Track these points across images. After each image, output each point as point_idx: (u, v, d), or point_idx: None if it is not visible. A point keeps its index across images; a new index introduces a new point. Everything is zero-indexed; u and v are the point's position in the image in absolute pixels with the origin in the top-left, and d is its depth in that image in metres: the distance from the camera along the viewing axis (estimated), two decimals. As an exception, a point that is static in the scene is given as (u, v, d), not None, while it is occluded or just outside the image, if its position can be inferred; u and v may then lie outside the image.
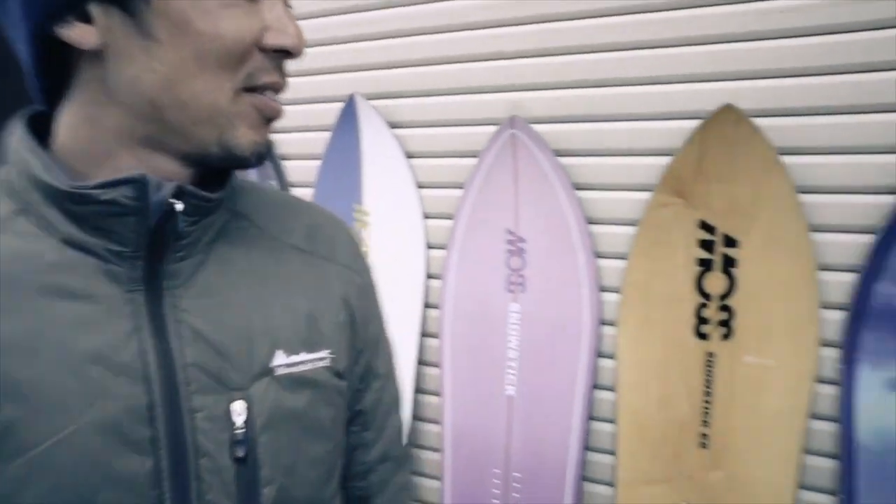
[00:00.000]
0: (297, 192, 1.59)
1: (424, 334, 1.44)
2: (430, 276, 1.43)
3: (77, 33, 0.44)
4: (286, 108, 1.51)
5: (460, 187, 1.37)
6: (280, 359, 0.52)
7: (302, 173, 1.58)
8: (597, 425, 1.30)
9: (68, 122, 0.48)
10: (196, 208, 0.48)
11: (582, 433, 1.28)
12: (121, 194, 0.44)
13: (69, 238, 0.45)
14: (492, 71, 1.33)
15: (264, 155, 0.51)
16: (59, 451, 0.41)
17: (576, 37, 1.24)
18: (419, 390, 1.46)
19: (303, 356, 0.53)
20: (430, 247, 1.43)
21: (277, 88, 0.51)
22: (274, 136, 1.57)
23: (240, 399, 0.48)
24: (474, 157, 1.35)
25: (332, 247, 0.61)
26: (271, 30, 0.48)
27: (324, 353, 0.55)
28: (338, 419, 0.58)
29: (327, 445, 0.56)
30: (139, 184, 0.45)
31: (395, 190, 1.44)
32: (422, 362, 1.45)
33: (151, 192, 0.45)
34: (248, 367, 0.49)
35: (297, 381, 0.53)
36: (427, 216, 1.43)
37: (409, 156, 1.43)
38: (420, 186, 1.43)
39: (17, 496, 0.40)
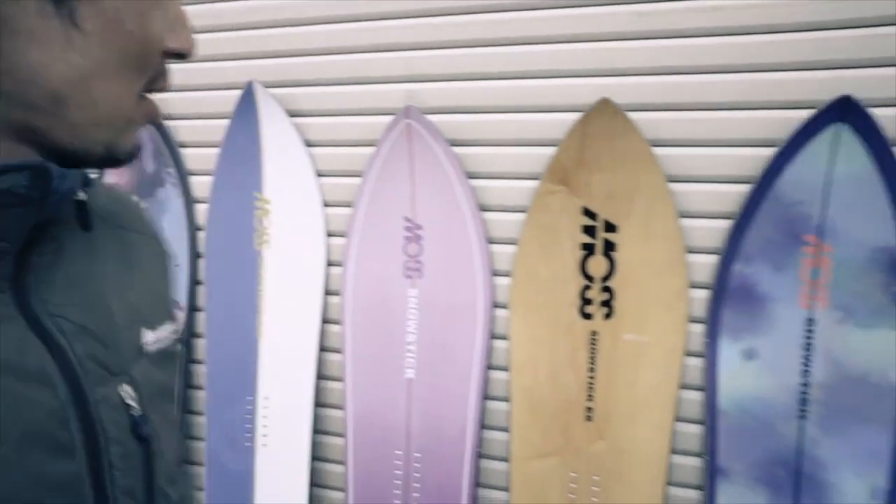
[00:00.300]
0: (197, 180, 1.57)
1: (326, 321, 1.46)
2: (330, 264, 1.45)
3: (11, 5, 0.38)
4: (185, 94, 1.49)
5: (359, 175, 1.40)
6: (147, 337, 0.52)
7: (200, 161, 1.55)
8: (492, 404, 1.37)
9: None
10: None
11: (478, 412, 1.34)
12: (15, 182, 0.39)
13: None
14: (389, 61, 1.36)
15: (135, 157, 0.50)
16: None
17: (469, 31, 1.29)
18: (321, 376, 1.48)
19: (160, 331, 0.54)
20: (330, 234, 1.45)
21: (165, 91, 0.49)
22: (172, 123, 1.55)
23: (126, 383, 0.48)
24: (372, 145, 1.37)
25: (145, 222, 0.60)
26: (172, 31, 0.46)
27: (172, 325, 0.56)
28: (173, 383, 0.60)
29: (175, 410, 0.59)
30: (39, 171, 0.40)
31: (295, 178, 1.45)
32: (324, 349, 1.47)
33: (56, 181, 0.42)
34: (126, 350, 0.49)
35: (163, 355, 0.54)
36: (327, 204, 1.44)
37: (309, 144, 1.44)
38: (320, 175, 1.44)
39: None
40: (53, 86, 0.40)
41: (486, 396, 1.35)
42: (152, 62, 0.46)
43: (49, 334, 0.43)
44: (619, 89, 1.18)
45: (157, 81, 0.47)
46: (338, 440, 1.49)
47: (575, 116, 1.21)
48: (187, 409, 1.62)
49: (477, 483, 1.37)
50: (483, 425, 1.36)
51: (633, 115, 1.17)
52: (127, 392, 0.48)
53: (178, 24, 0.46)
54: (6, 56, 0.39)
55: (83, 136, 0.44)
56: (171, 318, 0.56)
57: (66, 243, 0.47)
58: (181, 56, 0.48)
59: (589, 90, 1.20)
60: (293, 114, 1.44)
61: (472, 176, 1.32)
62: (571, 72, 1.22)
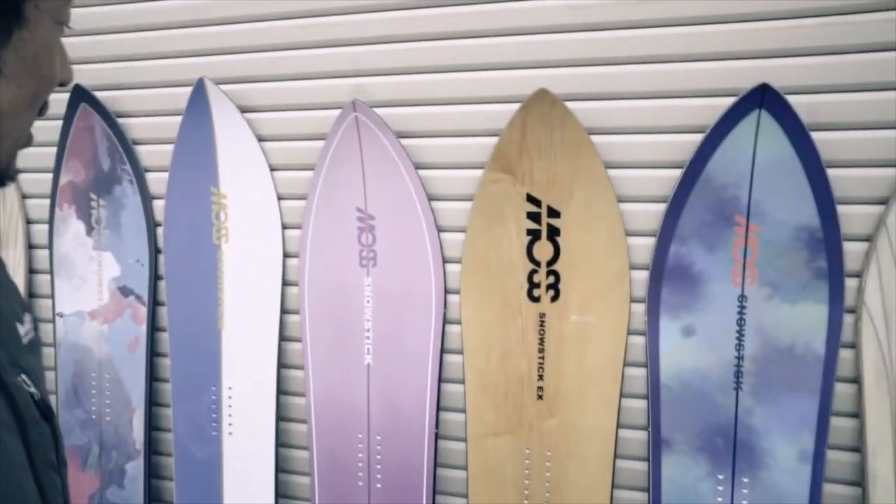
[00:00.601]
0: (154, 176, 1.58)
1: (285, 311, 1.49)
2: (287, 255, 1.48)
3: None
4: (137, 91, 1.50)
5: (311, 169, 1.42)
6: (20, 329, 0.54)
7: (156, 158, 1.57)
8: (448, 386, 1.42)
9: None
10: None
11: (434, 394, 1.39)
12: None
13: None
14: (336, 57, 1.38)
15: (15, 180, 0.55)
16: None
17: (413, 26, 1.32)
18: (283, 365, 1.51)
19: (26, 323, 0.55)
20: (285, 227, 1.48)
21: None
22: (125, 121, 1.56)
23: (21, 374, 0.50)
24: (323, 139, 1.40)
25: None
26: (64, 67, 0.52)
27: (30, 315, 0.57)
28: None
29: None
30: None
31: (250, 173, 1.47)
32: (284, 338, 1.50)
33: None
34: (15, 343, 0.52)
35: (32, 345, 0.55)
36: (281, 197, 1.47)
37: (262, 139, 1.46)
38: (273, 169, 1.47)
39: None
40: None
41: (441, 379, 1.40)
42: (48, 95, 0.50)
43: None
44: (556, 80, 1.22)
45: (44, 110, 0.51)
46: (301, 426, 1.53)
47: (514, 107, 1.24)
48: (153, 401, 1.65)
49: (436, 463, 1.42)
50: (440, 407, 1.41)
51: (570, 105, 1.21)
52: (24, 380, 0.49)
53: (66, 58, 0.51)
54: None
55: None
56: (28, 309, 0.57)
57: None
58: (64, 85, 0.52)
59: (528, 82, 1.23)
60: (245, 109, 1.46)
61: (420, 166, 1.35)
62: (511, 64, 1.25)
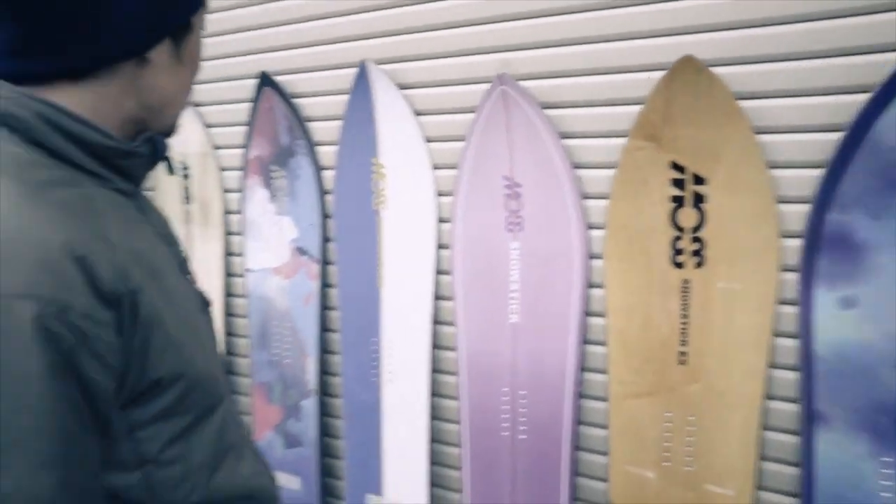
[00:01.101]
0: (324, 150, 1.78)
1: (439, 272, 1.63)
2: (441, 220, 1.61)
3: (155, 53, 0.63)
4: (310, 74, 1.70)
5: (462, 140, 1.52)
6: (182, 250, 0.77)
7: (326, 133, 1.76)
8: (590, 348, 1.47)
9: (89, 100, 0.60)
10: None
11: (577, 355, 1.45)
12: (146, 147, 0.66)
13: (115, 185, 0.63)
14: (484, 34, 1.46)
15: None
16: (193, 313, 0.69)
17: (556, 1, 1.36)
18: (436, 321, 1.66)
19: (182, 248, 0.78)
20: (439, 194, 1.60)
21: None
22: (301, 101, 1.76)
23: (188, 275, 0.75)
24: (472, 112, 1.49)
25: None
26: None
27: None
28: None
29: None
30: (153, 139, 0.67)
31: (407, 144, 1.61)
32: (437, 297, 1.64)
33: (160, 143, 0.68)
34: (185, 254, 0.77)
35: (188, 258, 0.80)
36: (435, 167, 1.59)
37: (418, 113, 1.59)
38: (428, 140, 1.59)
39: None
40: (165, 97, 0.67)
41: (584, 341, 1.46)
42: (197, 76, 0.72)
43: (162, 240, 0.70)
44: (701, 46, 1.20)
45: None
46: (452, 378, 1.67)
47: (658, 74, 1.24)
48: (325, 349, 1.88)
49: (578, 421, 1.49)
50: (583, 367, 1.47)
51: (716, 70, 1.19)
52: (191, 278, 0.74)
53: None
54: (147, 80, 0.64)
55: (167, 123, 0.70)
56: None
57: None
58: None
59: (671, 49, 1.23)
60: (403, 86, 1.59)
61: (564, 136, 1.40)
62: (653, 32, 1.25)
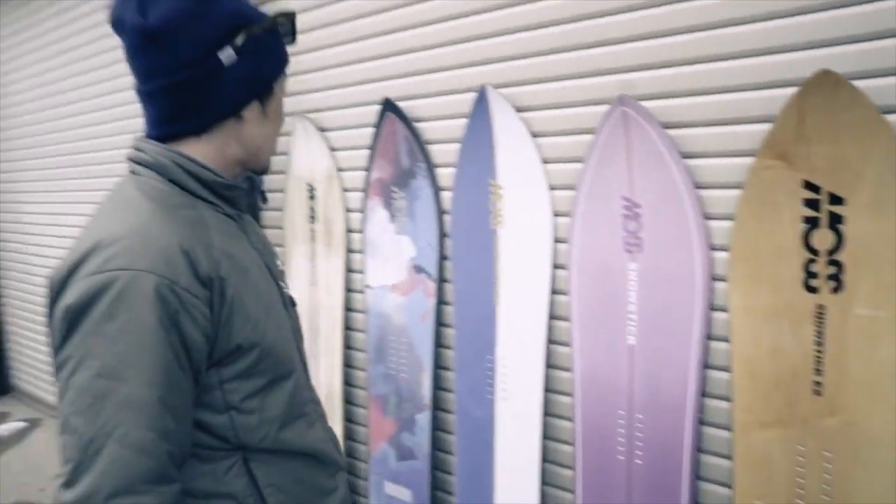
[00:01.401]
0: (442, 171, 1.85)
1: (554, 291, 1.64)
2: (557, 241, 1.62)
3: (247, 112, 0.88)
4: (430, 100, 1.79)
5: (580, 161, 1.54)
6: (278, 262, 1.03)
7: (444, 155, 1.83)
8: (713, 373, 1.42)
9: (205, 149, 0.87)
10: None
11: (698, 380, 1.41)
12: (245, 184, 0.93)
13: (222, 210, 0.89)
14: (602, 56, 1.47)
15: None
16: (272, 305, 0.91)
17: (677, 19, 1.35)
18: (551, 341, 1.66)
19: (279, 261, 1.03)
20: (555, 214, 1.62)
21: None
22: (421, 125, 1.84)
23: (281, 282, 0.99)
24: (590, 133, 1.50)
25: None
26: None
27: (279, 261, 1.04)
28: None
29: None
30: (250, 179, 0.95)
31: (524, 165, 1.64)
32: (552, 316, 1.65)
33: (256, 182, 0.96)
34: (277, 268, 0.99)
35: (282, 272, 1.03)
36: (552, 187, 1.61)
37: (535, 135, 1.62)
38: (545, 161, 1.61)
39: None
40: (256, 144, 0.91)
41: (706, 365, 1.42)
42: (281, 128, 0.97)
43: (261, 257, 0.94)
44: (835, 59, 1.15)
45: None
46: (566, 398, 1.66)
47: (788, 91, 1.20)
48: (439, 364, 1.93)
49: (699, 448, 1.44)
50: (704, 393, 1.42)
51: (858, 84, 1.13)
52: (283, 287, 0.98)
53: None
54: (243, 132, 0.88)
55: (261, 164, 0.94)
56: (276, 256, 1.05)
57: (244, 217, 0.97)
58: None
59: (802, 63, 1.18)
60: (520, 109, 1.63)
61: (686, 155, 1.38)
62: (783, 47, 1.21)
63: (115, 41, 0.84)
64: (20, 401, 4.58)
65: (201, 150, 0.86)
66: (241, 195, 0.92)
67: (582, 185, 1.54)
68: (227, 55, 0.82)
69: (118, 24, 0.83)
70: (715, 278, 1.39)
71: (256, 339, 0.84)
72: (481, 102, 1.68)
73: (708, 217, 1.38)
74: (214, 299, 0.79)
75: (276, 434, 0.88)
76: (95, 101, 3.24)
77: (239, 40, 0.83)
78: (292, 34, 0.92)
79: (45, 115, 3.68)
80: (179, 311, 0.75)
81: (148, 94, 0.85)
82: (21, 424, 4.09)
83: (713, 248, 1.38)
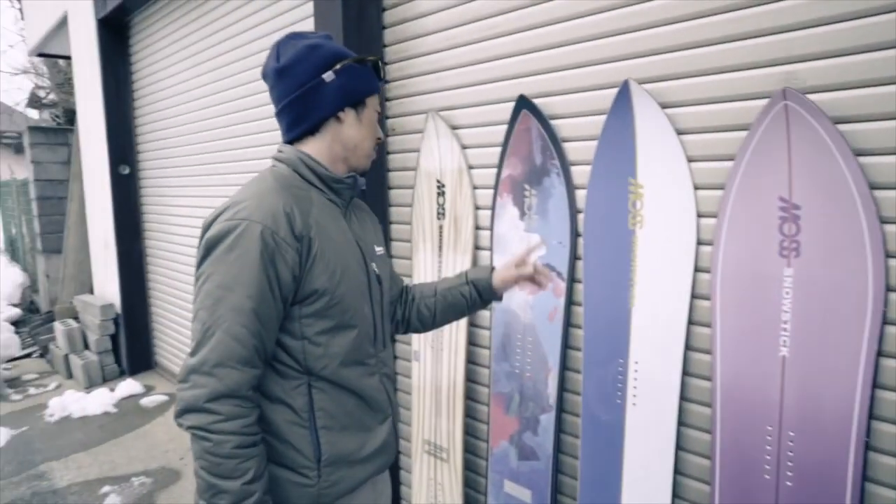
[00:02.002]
0: (577, 169, 1.81)
1: (695, 296, 1.56)
2: (700, 243, 1.54)
3: (343, 114, 1.20)
4: (563, 97, 1.76)
5: (731, 159, 1.45)
6: (377, 249, 1.32)
7: (579, 153, 1.79)
8: (883, 393, 1.30)
9: (319, 147, 1.20)
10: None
11: (866, 400, 1.29)
12: (350, 181, 1.22)
13: (330, 198, 1.21)
14: (763, 46, 1.37)
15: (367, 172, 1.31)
16: (350, 270, 1.18)
17: (847, 4, 1.23)
18: (690, 347, 1.58)
19: (378, 248, 1.33)
20: (700, 215, 1.53)
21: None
22: (556, 122, 1.82)
23: (373, 262, 1.26)
24: (744, 129, 1.41)
25: (370, 211, 1.41)
26: (379, 129, 1.29)
27: (382, 248, 1.35)
28: (389, 271, 1.40)
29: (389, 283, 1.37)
30: (354, 178, 1.23)
31: (667, 164, 1.57)
32: (692, 322, 1.57)
33: (359, 181, 1.25)
34: (372, 251, 1.28)
35: (381, 258, 1.32)
36: (697, 187, 1.53)
37: (679, 132, 1.55)
38: (690, 160, 1.54)
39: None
40: (354, 142, 1.22)
41: (876, 384, 1.29)
42: (376, 138, 1.28)
43: (355, 239, 1.23)
44: None
45: (377, 146, 1.29)
46: (703, 409, 1.58)
47: None
48: (566, 365, 1.90)
49: (865, 476, 1.31)
50: (872, 415, 1.30)
51: None
52: (373, 266, 1.25)
53: (378, 128, 1.28)
54: (343, 131, 1.21)
55: (360, 164, 1.26)
56: (380, 244, 1.35)
57: (353, 210, 1.29)
58: (379, 141, 1.30)
59: None
60: (664, 105, 1.56)
61: (859, 153, 1.26)
62: None
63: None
64: (162, 376, 5.01)
65: (316, 148, 1.20)
66: (344, 188, 1.22)
67: (732, 184, 1.45)
68: (328, 75, 1.16)
69: (264, 74, 1.21)
70: (890, 289, 1.26)
71: (329, 287, 1.12)
72: (623, 98, 1.63)
73: (884, 221, 1.25)
74: (303, 251, 1.09)
75: (335, 368, 1.15)
76: (229, 106, 3.47)
77: (337, 66, 1.16)
78: (377, 71, 1.23)
79: (186, 118, 4.00)
80: (275, 252, 1.06)
81: (279, 112, 1.20)
82: (163, 397, 4.47)
83: (889, 255, 1.25)
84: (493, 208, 2.05)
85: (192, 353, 1.06)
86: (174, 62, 4.13)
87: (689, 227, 1.55)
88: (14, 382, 5.29)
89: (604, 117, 1.69)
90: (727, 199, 1.46)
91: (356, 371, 1.20)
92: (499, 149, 2.01)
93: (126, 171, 4.81)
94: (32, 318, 6.95)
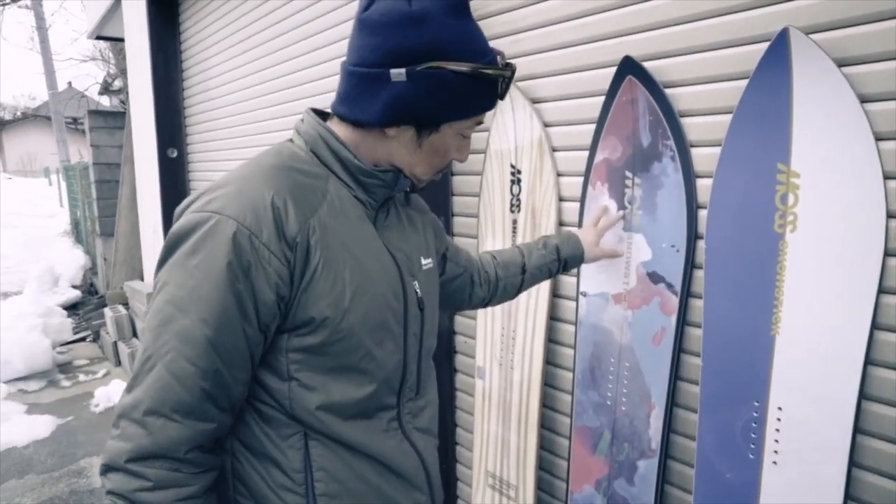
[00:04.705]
0: (700, 152, 1.40)
1: (877, 326, 1.13)
2: (889, 254, 1.11)
3: (393, 131, 0.89)
4: (682, 59, 1.32)
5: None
6: (424, 262, 1.02)
7: (706, 131, 1.38)
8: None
9: (358, 139, 0.91)
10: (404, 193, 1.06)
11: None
12: (386, 176, 0.92)
13: (354, 193, 0.91)
14: None
15: (423, 189, 1.02)
16: (371, 293, 0.88)
17: None
18: (866, 396, 1.16)
19: (428, 260, 1.04)
20: (891, 216, 1.11)
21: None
22: (674, 92, 1.41)
23: (415, 281, 0.98)
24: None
25: (423, 207, 1.14)
26: (459, 152, 0.97)
27: (431, 260, 1.06)
28: (438, 289, 1.10)
29: (438, 301, 1.10)
30: (394, 174, 0.93)
31: (840, 145, 1.15)
32: (871, 362, 1.14)
33: (401, 180, 0.94)
34: (416, 265, 1.00)
35: (428, 273, 1.03)
36: (888, 177, 1.10)
37: (864, 100, 1.12)
38: (878, 138, 1.11)
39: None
40: (402, 164, 0.93)
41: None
42: (443, 166, 0.97)
43: (388, 249, 0.94)
44: None
45: (444, 170, 0.99)
46: (883, 481, 1.16)
47: None
48: (676, 401, 1.50)
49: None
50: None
51: None
52: (414, 286, 0.97)
53: (465, 148, 0.97)
54: (391, 148, 0.91)
55: (412, 179, 0.96)
56: (431, 256, 1.06)
57: (394, 209, 1.01)
58: (459, 161, 0.99)
59: None
60: (841, 63, 1.13)
61: None
62: None
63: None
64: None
65: (355, 138, 0.91)
66: (378, 184, 0.92)
67: (951, 172, 1.02)
68: (397, 73, 0.82)
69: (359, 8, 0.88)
70: None
71: (332, 316, 0.83)
72: (777, 54, 1.20)
73: None
74: (295, 262, 0.81)
75: (333, 421, 0.86)
76: (280, 87, 3.17)
77: (420, 67, 0.82)
78: (501, 91, 0.89)
79: (235, 98, 3.73)
80: (253, 263, 0.78)
81: (341, 69, 0.90)
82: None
83: None
84: (582, 201, 1.65)
85: (128, 388, 0.80)
86: (224, 41, 3.87)
87: (874, 233, 1.12)
88: (66, 367, 5.24)
89: (743, 83, 1.27)
90: (941, 194, 1.03)
91: (360, 426, 0.89)
92: (592, 126, 1.60)
93: (174, 154, 4.62)
94: (89, 301, 6.97)
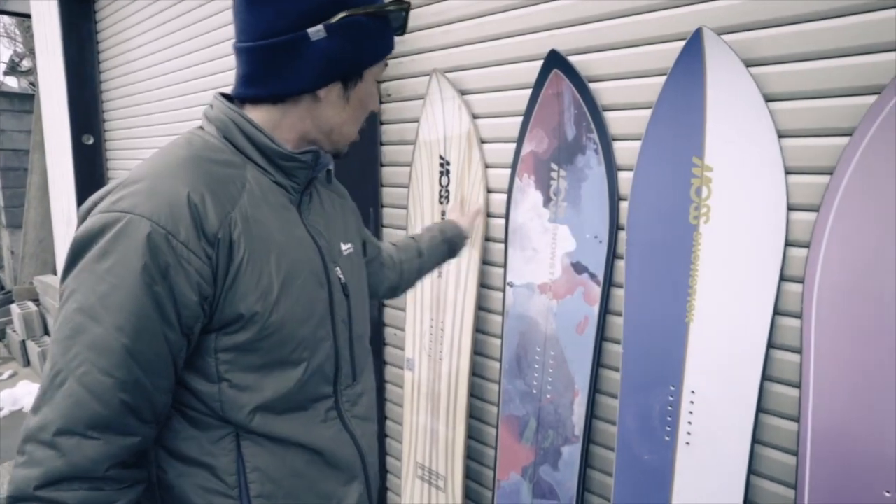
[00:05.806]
0: (622, 145, 1.44)
1: (779, 312, 1.21)
2: (790, 244, 1.19)
3: (324, 92, 0.87)
4: (606, 54, 1.36)
5: (846, 134, 1.09)
6: (344, 247, 1.00)
7: (627, 125, 1.42)
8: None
9: (274, 118, 0.88)
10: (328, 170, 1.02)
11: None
12: (306, 157, 0.90)
13: (274, 178, 0.88)
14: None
15: (346, 155, 0.99)
16: (298, 282, 0.86)
17: None
18: (769, 378, 1.24)
19: (347, 245, 1.01)
20: (792, 208, 1.18)
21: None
22: (596, 86, 1.45)
23: (337, 267, 0.95)
24: (866, 94, 1.05)
25: (343, 191, 1.12)
26: (376, 103, 0.97)
27: (352, 245, 1.04)
28: (364, 274, 1.09)
29: (366, 286, 1.09)
30: (314, 154, 0.91)
31: (749, 140, 1.21)
32: (773, 345, 1.22)
33: (322, 158, 0.93)
34: (336, 251, 0.97)
35: (350, 258, 1.01)
36: (789, 171, 1.18)
37: (769, 99, 1.18)
38: (781, 135, 1.18)
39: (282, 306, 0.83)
40: (329, 125, 0.91)
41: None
42: (365, 116, 0.96)
43: (312, 236, 0.92)
44: None
45: (364, 123, 0.98)
46: (785, 457, 1.24)
47: None
48: (598, 388, 1.55)
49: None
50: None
51: None
52: (336, 272, 0.94)
53: (378, 96, 0.97)
54: (320, 111, 0.89)
55: (336, 148, 0.96)
56: (351, 241, 1.04)
57: (316, 193, 0.98)
58: (374, 113, 1.06)
59: None
60: (751, 63, 1.20)
61: None
62: None
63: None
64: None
65: (270, 118, 0.88)
66: (299, 167, 0.89)
67: (846, 169, 1.09)
68: (315, 31, 0.81)
69: None
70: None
71: (261, 311, 0.80)
72: (691, 52, 1.26)
73: None
74: (218, 259, 0.77)
75: (266, 418, 0.84)
76: (205, 73, 3.06)
77: (334, 19, 0.82)
78: (402, 26, 0.90)
79: (158, 83, 3.57)
80: (171, 264, 0.73)
81: (238, 51, 0.86)
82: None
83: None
84: (509, 192, 1.68)
85: (34, 409, 0.73)
86: (146, 22, 3.69)
87: (777, 224, 1.19)
88: (-34, 369, 4.88)
89: (661, 80, 1.32)
90: (837, 189, 1.10)
91: (300, 419, 0.87)
92: (519, 119, 1.63)
93: (90, 140, 4.37)
94: (-7, 298, 6.51)
